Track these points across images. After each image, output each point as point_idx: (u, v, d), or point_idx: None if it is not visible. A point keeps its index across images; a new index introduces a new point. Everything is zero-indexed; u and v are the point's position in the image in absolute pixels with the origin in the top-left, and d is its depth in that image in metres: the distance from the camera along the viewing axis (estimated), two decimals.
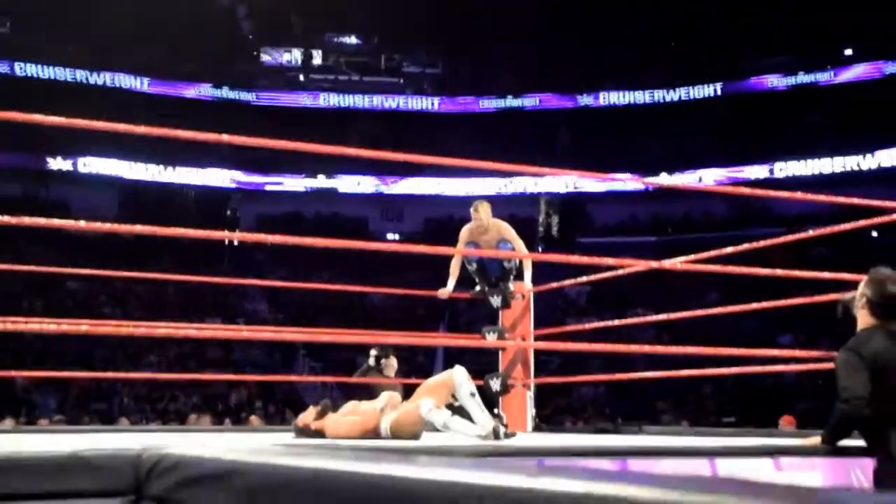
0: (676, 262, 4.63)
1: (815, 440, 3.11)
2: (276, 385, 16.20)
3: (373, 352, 5.77)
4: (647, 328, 17.65)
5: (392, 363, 5.84)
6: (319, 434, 4.04)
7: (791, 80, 22.68)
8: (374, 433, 3.96)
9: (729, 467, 2.91)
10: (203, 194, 23.41)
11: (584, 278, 5.33)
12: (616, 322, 5.17)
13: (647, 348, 4.49)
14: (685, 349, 4.11)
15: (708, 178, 22.99)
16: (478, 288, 5.29)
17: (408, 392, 4.38)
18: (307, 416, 4.17)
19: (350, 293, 19.42)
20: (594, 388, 17.63)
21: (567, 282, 5.58)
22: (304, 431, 4.07)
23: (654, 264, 4.65)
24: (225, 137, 3.21)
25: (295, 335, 5.68)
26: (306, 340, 19.19)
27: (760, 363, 4.59)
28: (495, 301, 5.51)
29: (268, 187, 24.04)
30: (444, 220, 24.37)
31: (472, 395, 3.90)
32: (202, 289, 19.04)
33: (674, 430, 5.41)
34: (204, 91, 23.60)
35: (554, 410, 15.37)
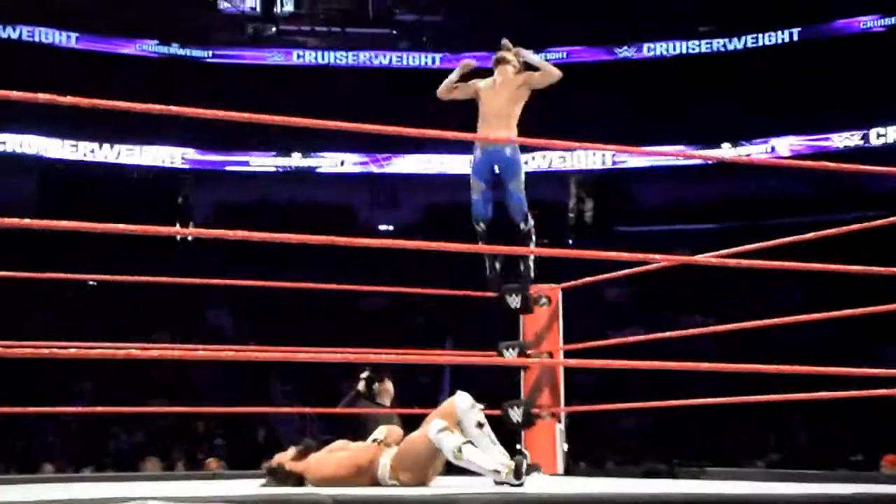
0: (741, 256, 4.61)
1: None
2: (243, 417, 16.22)
3: (363, 374, 5.76)
4: (709, 340, 17.57)
5: (388, 388, 5.84)
6: (297, 478, 4.04)
7: (891, 19, 22.47)
8: (370, 476, 3.96)
9: None
10: (147, 177, 23.43)
11: (627, 274, 5.31)
12: (669, 333, 5.15)
13: (709, 366, 4.47)
14: (759, 367, 4.08)
15: (783, 148, 22.90)
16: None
17: (409, 426, 4.37)
18: (283, 456, 4.18)
19: (335, 300, 19.43)
20: (642, 417, 17.59)
21: (604, 277, 5.56)
22: (278, 474, 4.08)
23: (715, 259, 4.63)
24: (174, 108, 3.19)
25: (265, 354, 5.68)
26: (279, 360, 19.20)
27: (858, 385, 4.56)
28: (513, 301, 5.50)
29: (229, 168, 24.05)
30: (450, 206, 24.32)
31: (481, 425, 3.89)
32: (148, 295, 19.06)
33: (746, 472, 5.40)
34: (147, 48, 23.62)
35: (591, 446, 15.35)
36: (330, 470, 4.04)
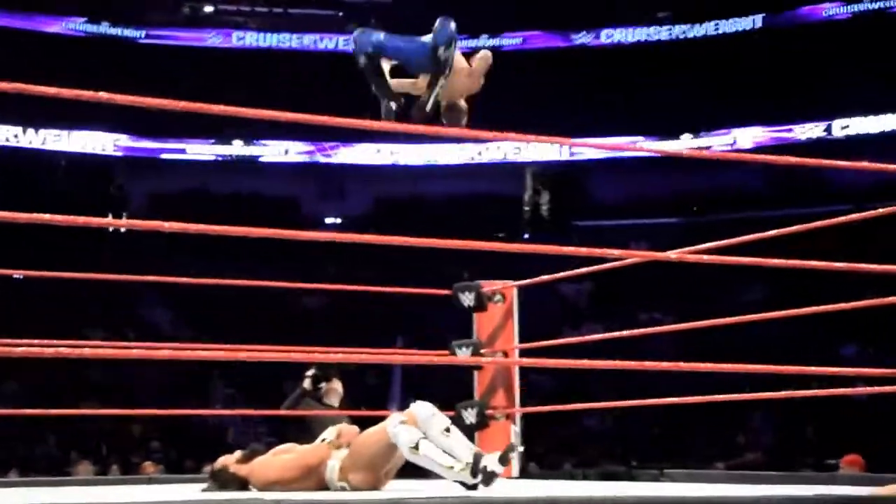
0: (703, 252, 4.66)
1: (893, 489, 3.14)
2: (182, 420, 16.09)
3: (309, 372, 5.73)
4: (669, 339, 17.78)
5: (336, 387, 5.81)
6: (240, 482, 4.03)
7: (856, 7, 22.78)
8: (317, 479, 3.96)
9: None
10: (77, 165, 23.10)
11: (585, 272, 5.35)
12: (627, 332, 5.20)
13: (668, 365, 4.52)
14: (721, 366, 4.14)
15: (745, 139, 23.19)
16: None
17: (359, 428, 4.37)
18: (228, 458, 4.17)
19: (279, 295, 19.35)
20: (600, 418, 17.74)
21: (562, 276, 5.59)
22: (220, 477, 4.06)
23: (674, 255, 4.68)
24: (104, 95, 3.15)
25: (205, 353, 5.64)
26: (220, 359, 19.11)
27: (817, 384, 4.63)
28: (466, 299, 5.52)
29: (164, 156, 23.80)
30: (401, 198, 24.37)
31: (447, 430, 3.90)
32: (79, 290, 18.82)
33: (705, 474, 5.47)
34: (74, 26, 23.27)
35: (548, 449, 15.45)
36: (275, 473, 4.03)
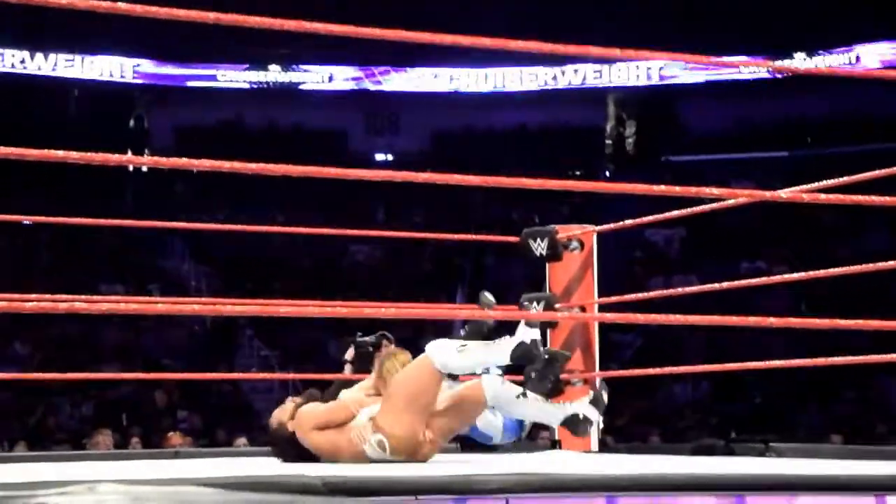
0: (820, 191, 4.60)
1: None
2: (210, 385, 16.37)
3: (348, 356, 5.59)
4: (779, 291, 17.58)
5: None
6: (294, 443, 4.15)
7: None
8: (350, 445, 4.02)
9: None
10: (92, 94, 23.37)
11: (677, 214, 5.29)
12: (727, 284, 5.15)
13: (775, 321, 4.45)
14: (836, 323, 4.08)
15: (870, 58, 22.74)
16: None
17: None
18: (283, 413, 4.25)
19: (322, 244, 19.50)
20: (694, 384, 17.69)
21: (649, 220, 5.54)
22: (277, 439, 4.20)
23: (785, 194, 4.61)
24: (122, 6, 3.16)
25: (237, 307, 5.70)
26: (255, 314, 19.30)
27: None
28: (538, 247, 5.50)
29: (192, 83, 23.97)
30: (461, 132, 24.32)
31: (520, 396, 4.02)
32: (94, 238, 19.12)
33: (818, 448, 5.43)
34: None
35: (633, 418, 15.46)
36: (309, 430, 4.12)
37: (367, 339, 5.35)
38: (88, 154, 3.20)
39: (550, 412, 4.20)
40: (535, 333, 4.16)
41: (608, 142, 25.09)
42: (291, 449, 4.17)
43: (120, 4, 3.12)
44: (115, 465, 4.44)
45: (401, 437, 3.95)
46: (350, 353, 5.31)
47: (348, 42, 21.44)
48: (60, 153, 3.15)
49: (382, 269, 20.02)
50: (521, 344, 4.08)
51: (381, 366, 4.28)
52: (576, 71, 24.11)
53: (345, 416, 4.08)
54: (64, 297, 4.44)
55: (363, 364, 5.28)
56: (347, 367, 5.30)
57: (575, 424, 4.13)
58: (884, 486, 2.98)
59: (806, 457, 4.79)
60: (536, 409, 4.20)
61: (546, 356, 4.23)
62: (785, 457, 4.81)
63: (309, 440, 4.09)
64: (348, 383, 4.75)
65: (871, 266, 4.77)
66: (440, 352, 4.00)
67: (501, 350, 4.09)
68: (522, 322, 4.24)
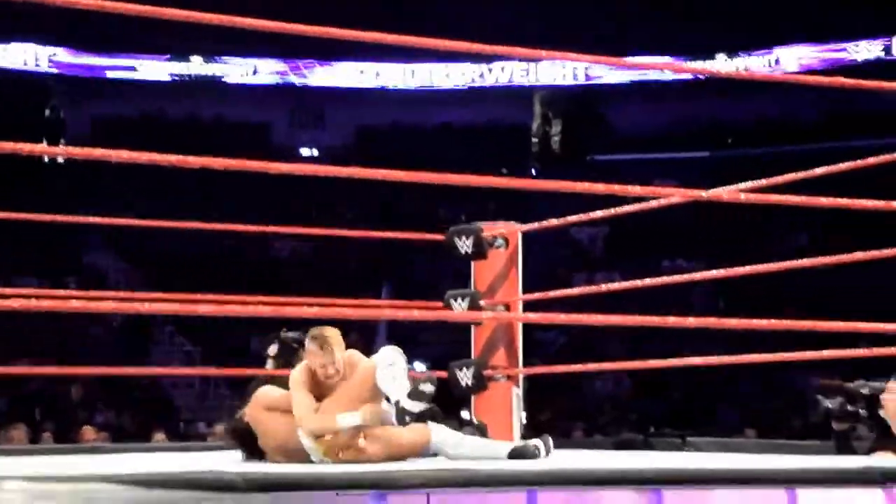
0: (739, 191, 4.67)
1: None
2: (129, 380, 16.19)
3: (272, 350, 5.47)
4: (697, 289, 17.84)
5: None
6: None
7: None
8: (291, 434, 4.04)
9: (817, 501, 2.98)
10: (5, 84, 22.94)
11: (601, 214, 5.35)
12: (649, 281, 5.22)
13: (694, 321, 4.54)
14: (752, 323, 4.17)
15: (789, 60, 23.09)
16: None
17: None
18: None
19: (245, 239, 19.34)
20: (615, 380, 17.88)
21: (574, 219, 5.59)
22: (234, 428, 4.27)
23: (705, 193, 4.69)
24: None
25: (158, 305, 5.64)
26: (176, 312, 19.14)
27: (866, 343, 4.67)
28: (463, 246, 5.52)
29: (110, 74, 23.64)
30: (386, 128, 24.27)
31: (395, 378, 4.03)
32: (10, 231, 18.78)
33: (735, 443, 5.52)
34: None
35: (555, 414, 15.56)
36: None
37: (291, 334, 5.27)
38: (1, 143, 3.13)
39: (495, 448, 4.20)
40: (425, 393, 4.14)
41: (534, 140, 25.19)
42: (245, 441, 4.25)
43: None
44: (27, 461, 4.39)
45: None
46: (273, 349, 5.18)
47: (273, 35, 21.33)
48: None
49: (307, 266, 19.93)
50: (524, 447, 4.14)
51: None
52: (503, 69, 24.20)
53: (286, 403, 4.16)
54: None
55: (287, 359, 5.15)
56: (270, 363, 5.18)
57: (524, 453, 4.12)
58: (795, 479, 3.05)
59: (722, 451, 4.87)
60: (482, 446, 4.22)
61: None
62: (702, 451, 4.88)
63: (258, 418, 4.15)
64: (270, 379, 4.70)
65: (786, 264, 4.87)
66: (439, 436, 4.09)
67: (497, 451, 4.14)
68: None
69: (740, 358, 4.97)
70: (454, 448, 4.11)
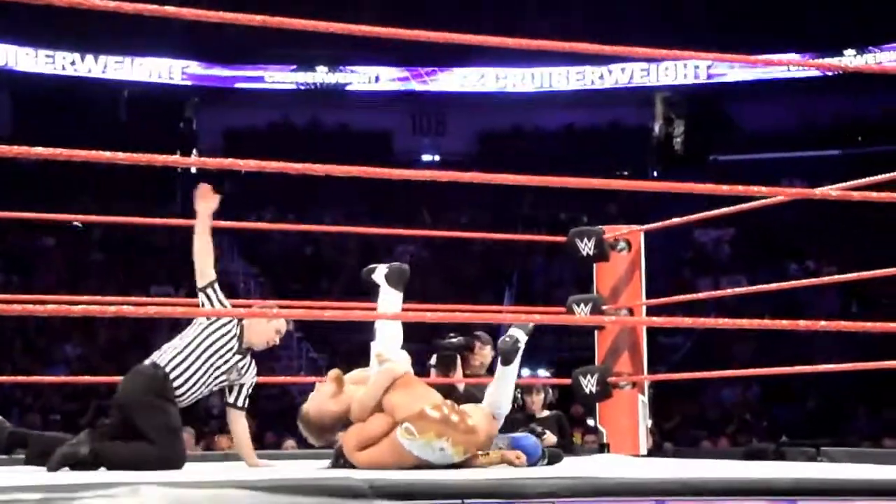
0: (871, 190, 4.53)
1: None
2: (257, 388, 16.41)
3: (456, 340, 5.23)
4: (829, 293, 17.41)
5: (482, 352, 5.35)
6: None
7: None
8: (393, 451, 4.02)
9: None
10: (142, 97, 23.57)
11: (725, 212, 5.25)
12: (776, 285, 5.11)
13: (826, 325, 4.42)
14: (888, 326, 4.03)
15: None
16: None
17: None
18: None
19: (369, 244, 19.53)
20: (743, 387, 17.56)
21: (696, 217, 5.49)
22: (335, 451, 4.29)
23: (835, 191, 4.56)
24: (171, 10, 3.19)
25: (287, 311, 5.72)
26: (304, 318, 19.39)
27: None
28: (585, 247, 5.46)
29: (239, 84, 24.13)
30: (507, 132, 24.27)
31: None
32: (144, 240, 19.27)
33: (872, 454, 5.36)
34: None
35: (682, 422, 15.37)
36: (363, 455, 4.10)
37: (454, 340, 5.21)
38: (136, 155, 3.24)
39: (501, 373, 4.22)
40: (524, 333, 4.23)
41: (656, 141, 24.96)
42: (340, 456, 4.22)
43: (168, 9, 3.15)
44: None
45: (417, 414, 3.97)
46: (433, 358, 5.20)
47: (394, 43, 21.45)
48: (108, 154, 3.18)
49: (429, 270, 20.02)
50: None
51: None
52: (623, 70, 24.01)
53: (383, 429, 4.06)
54: (113, 299, 4.47)
55: (446, 367, 5.17)
56: (433, 373, 5.17)
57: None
58: None
59: (858, 462, 4.74)
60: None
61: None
62: (837, 461, 4.76)
63: (356, 461, 4.08)
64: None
65: None
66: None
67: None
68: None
69: (874, 364, 4.83)
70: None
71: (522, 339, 4.18)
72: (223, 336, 4.41)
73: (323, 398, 4.20)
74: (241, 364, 4.50)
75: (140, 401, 4.27)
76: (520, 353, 4.17)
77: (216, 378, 4.43)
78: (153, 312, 4.26)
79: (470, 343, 5.22)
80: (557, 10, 22.81)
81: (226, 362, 4.42)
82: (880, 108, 22.34)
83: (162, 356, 4.38)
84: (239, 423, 4.55)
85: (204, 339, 4.40)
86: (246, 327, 4.47)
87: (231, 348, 4.41)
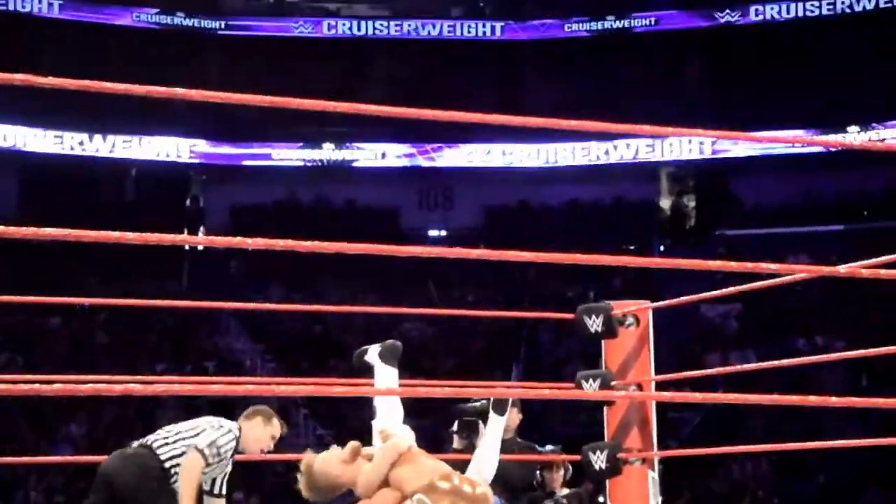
0: (880, 266, 4.53)
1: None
2: (264, 465, 16.33)
3: (473, 404, 5.12)
4: (838, 367, 17.33)
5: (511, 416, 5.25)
6: None
7: None
8: None
9: None
10: (149, 175, 23.73)
11: (733, 290, 5.24)
12: (786, 361, 5.09)
13: (837, 401, 4.40)
14: None
15: None
16: None
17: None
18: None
19: (375, 321, 19.50)
20: (753, 463, 17.42)
21: (706, 296, 5.49)
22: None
23: (843, 269, 4.56)
24: (180, 91, 3.21)
25: (293, 387, 5.70)
26: (310, 394, 19.29)
27: None
28: (593, 324, 5.45)
29: (247, 162, 24.28)
30: (514, 207, 24.35)
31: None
32: (150, 319, 19.24)
33: None
34: (146, 17, 23.93)
35: (693, 499, 15.22)
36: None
37: (476, 404, 5.12)
38: (143, 234, 3.24)
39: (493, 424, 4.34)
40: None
41: (662, 216, 25.01)
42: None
43: (177, 90, 3.17)
44: None
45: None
46: (455, 425, 5.13)
47: (400, 120, 21.60)
48: (116, 234, 3.18)
49: (436, 347, 19.97)
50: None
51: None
52: (628, 146, 24.14)
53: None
54: (119, 378, 4.46)
55: (470, 433, 5.08)
56: (456, 440, 5.11)
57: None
58: None
59: None
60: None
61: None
62: None
63: None
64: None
65: None
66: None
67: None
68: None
69: (884, 440, 4.78)
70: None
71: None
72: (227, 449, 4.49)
73: (333, 460, 4.16)
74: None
75: (142, 487, 4.26)
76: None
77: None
78: (160, 391, 4.26)
79: (486, 407, 5.14)
80: (560, 80, 23.04)
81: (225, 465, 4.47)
82: (884, 183, 22.42)
83: (165, 445, 4.43)
84: (192, 466, 4.55)
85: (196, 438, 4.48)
86: (244, 433, 4.51)
87: (230, 457, 4.48)
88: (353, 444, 4.23)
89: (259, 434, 4.49)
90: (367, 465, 4.14)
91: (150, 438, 4.46)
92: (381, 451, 4.12)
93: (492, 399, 4.17)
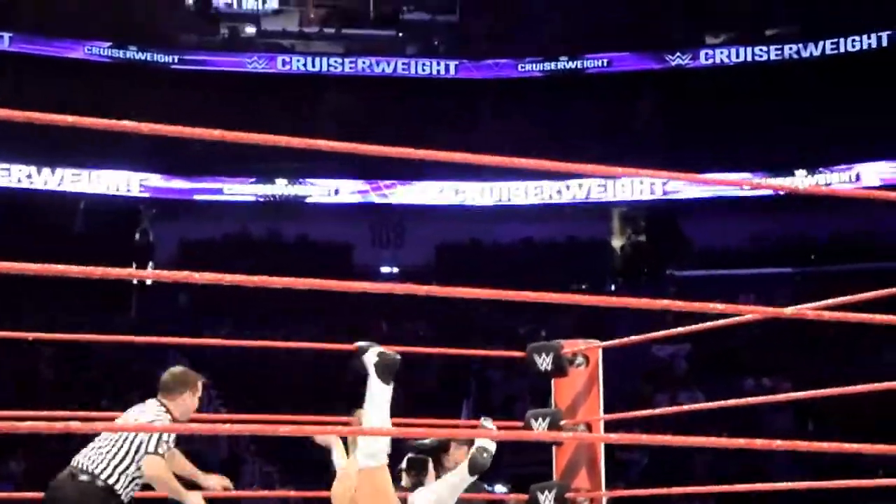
0: (825, 309, 4.57)
1: None
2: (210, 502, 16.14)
3: (403, 464, 5.05)
4: (785, 409, 17.44)
5: (457, 453, 5.15)
6: None
7: None
8: None
9: None
10: (98, 209, 23.54)
11: (682, 330, 5.27)
12: (733, 401, 5.12)
13: (782, 444, 4.42)
14: (844, 447, 4.04)
15: (870, 176, 22.90)
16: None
17: None
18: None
19: (324, 358, 19.42)
20: (701, 503, 17.46)
21: (655, 336, 5.52)
22: None
23: (790, 311, 4.60)
24: (130, 125, 3.19)
25: (240, 426, 5.64)
26: (257, 433, 19.21)
27: None
28: (542, 362, 5.45)
29: (198, 197, 24.17)
30: (465, 245, 24.39)
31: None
32: (94, 354, 19.04)
33: None
34: (98, 51, 23.85)
35: None
36: None
37: (426, 441, 5.07)
38: (89, 268, 3.19)
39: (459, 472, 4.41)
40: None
41: (613, 256, 25.15)
42: None
43: (126, 123, 3.15)
44: None
45: None
46: (403, 463, 5.03)
47: (354, 156, 21.63)
48: (61, 267, 3.14)
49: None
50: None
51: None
52: (580, 185, 24.29)
53: None
54: (61, 414, 4.40)
55: (418, 472, 5.00)
56: (403, 479, 4.99)
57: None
58: None
59: None
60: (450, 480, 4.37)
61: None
62: None
63: None
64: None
65: (877, 385, 4.72)
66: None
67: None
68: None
69: (831, 483, 4.82)
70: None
71: (493, 449, 4.23)
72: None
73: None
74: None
75: None
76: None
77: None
78: (100, 427, 4.21)
79: (445, 444, 5.10)
80: (513, 119, 23.19)
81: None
82: (831, 227, 22.68)
83: (96, 465, 4.46)
84: (156, 468, 4.66)
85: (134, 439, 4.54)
86: (172, 410, 4.65)
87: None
88: None
89: (189, 405, 4.68)
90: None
91: (82, 463, 4.51)
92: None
93: (476, 461, 4.26)
